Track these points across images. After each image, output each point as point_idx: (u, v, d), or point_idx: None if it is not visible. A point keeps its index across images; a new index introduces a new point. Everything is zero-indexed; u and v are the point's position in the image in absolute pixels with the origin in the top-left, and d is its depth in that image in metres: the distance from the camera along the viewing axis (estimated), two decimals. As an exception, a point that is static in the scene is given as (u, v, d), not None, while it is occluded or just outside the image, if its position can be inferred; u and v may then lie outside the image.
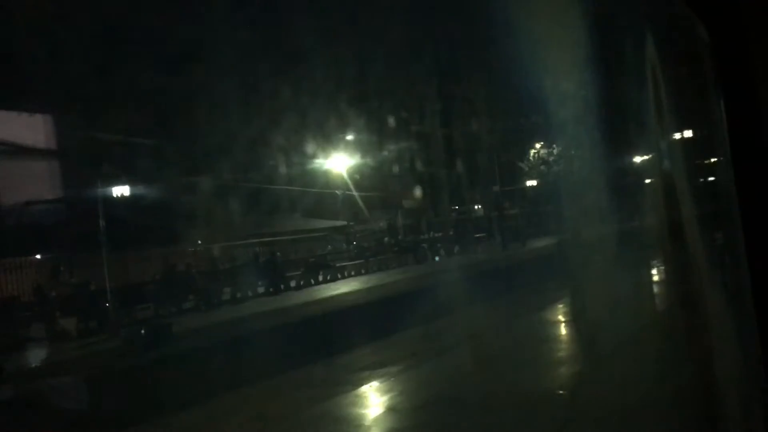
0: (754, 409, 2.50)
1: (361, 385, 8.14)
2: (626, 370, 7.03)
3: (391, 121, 32.66)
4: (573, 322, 10.29)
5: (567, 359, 8.89)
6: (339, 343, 10.80)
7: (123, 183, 25.10)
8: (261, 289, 19.74)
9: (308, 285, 20.99)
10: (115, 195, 23.85)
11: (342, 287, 19.62)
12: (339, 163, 28.66)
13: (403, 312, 12.66)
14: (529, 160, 39.69)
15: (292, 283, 20.74)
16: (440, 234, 30.41)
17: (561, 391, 7.31)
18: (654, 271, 14.84)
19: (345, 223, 27.86)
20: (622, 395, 6.12)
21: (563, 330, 10.09)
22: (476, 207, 39.91)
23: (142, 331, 11.86)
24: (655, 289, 12.84)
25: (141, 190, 25.04)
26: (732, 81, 1.65)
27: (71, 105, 23.99)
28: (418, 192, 36.10)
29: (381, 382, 8.17)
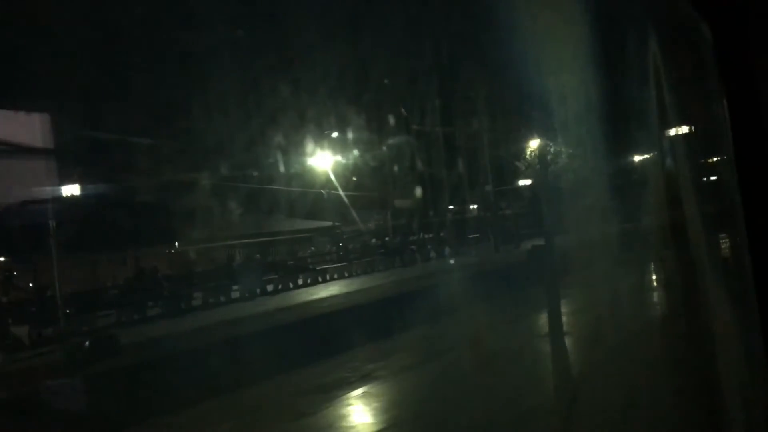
0: (757, 410, 2.44)
1: (298, 413, 7.23)
2: (611, 385, 6.29)
3: (384, 119, 31.70)
4: (549, 335, 9.36)
5: (538, 378, 7.95)
6: (295, 358, 9.90)
7: (98, 183, 24.37)
8: (236, 294, 18.82)
9: (286, 289, 20.11)
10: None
11: (320, 292, 18.72)
12: (329, 162, 27.77)
13: (369, 323, 11.82)
14: (525, 159, 38.73)
15: (270, 287, 19.85)
16: (431, 235, 29.45)
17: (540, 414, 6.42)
18: (648, 276, 13.98)
19: (331, 224, 26.90)
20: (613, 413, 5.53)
21: (536, 345, 9.12)
22: (472, 207, 38.98)
23: (86, 344, 10.95)
24: (647, 294, 11.99)
25: (118, 190, 24.24)
26: (735, 79, 1.64)
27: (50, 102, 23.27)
28: (410, 192, 35.17)
29: (320, 411, 7.25)
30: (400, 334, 10.72)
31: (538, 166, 38.99)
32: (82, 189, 23.22)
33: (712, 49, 1.71)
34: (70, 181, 23.46)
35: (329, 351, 10.12)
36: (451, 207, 38.47)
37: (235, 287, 18.89)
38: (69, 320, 14.03)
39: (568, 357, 8.42)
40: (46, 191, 18.89)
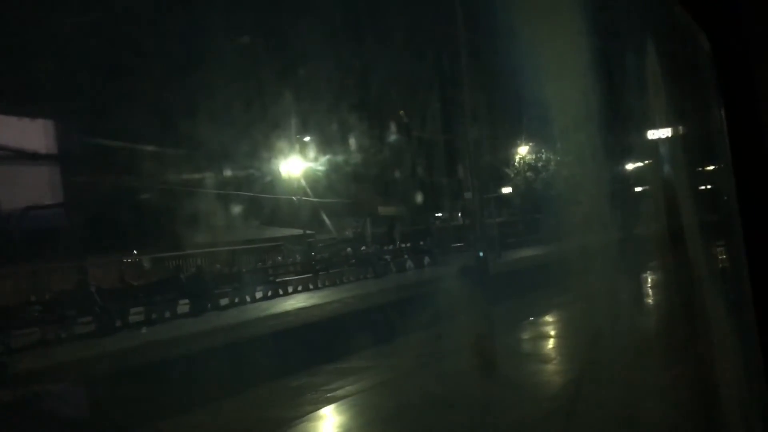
0: (755, 417, 2.39)
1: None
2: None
3: (370, 124, 30.45)
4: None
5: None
6: (207, 392, 8.56)
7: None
8: (185, 309, 17.37)
9: (242, 303, 18.67)
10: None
11: (272, 307, 17.34)
12: (306, 167, 26.43)
13: (306, 349, 10.54)
14: (514, 165, 37.37)
15: (224, 301, 18.41)
16: (409, 244, 28.02)
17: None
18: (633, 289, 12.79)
19: (301, 231, 25.50)
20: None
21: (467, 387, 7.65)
22: (459, 214, 37.68)
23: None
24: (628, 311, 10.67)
25: (72, 195, 23.04)
26: (733, 89, 1.64)
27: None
28: (395, 198, 33.81)
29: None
30: (334, 362, 9.46)
31: (528, 173, 37.63)
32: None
33: (710, 59, 1.71)
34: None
35: (250, 382, 8.77)
36: (438, 214, 37.22)
37: (183, 301, 17.47)
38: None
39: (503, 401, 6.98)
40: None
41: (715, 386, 3.80)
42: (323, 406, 7.34)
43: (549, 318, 11.83)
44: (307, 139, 26.01)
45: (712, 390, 3.85)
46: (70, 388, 8.76)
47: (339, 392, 7.92)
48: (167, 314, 16.82)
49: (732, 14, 1.61)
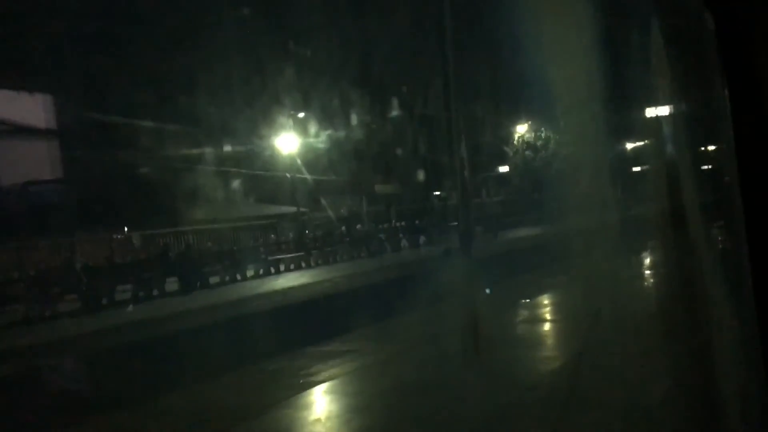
0: (753, 405, 2.43)
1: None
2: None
3: (369, 102, 29.90)
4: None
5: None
6: (173, 377, 8.22)
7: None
8: (174, 287, 17.04)
9: (232, 281, 18.39)
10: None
11: (263, 286, 17.06)
12: (304, 144, 25.95)
13: (290, 330, 10.26)
14: (513, 144, 36.84)
15: (214, 279, 18.11)
16: (404, 223, 27.63)
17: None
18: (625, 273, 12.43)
19: (295, 209, 25.11)
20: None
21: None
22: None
23: None
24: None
25: (71, 171, 22.74)
26: (737, 69, 1.65)
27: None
28: (392, 177, 33.36)
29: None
30: (308, 347, 9.15)
31: (527, 152, 37.11)
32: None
33: (715, 38, 1.70)
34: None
35: (217, 368, 8.39)
36: (436, 193, 36.79)
37: (170, 279, 17.15)
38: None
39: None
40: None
41: (712, 371, 3.70)
42: (298, 392, 7.00)
43: (541, 300, 11.48)
44: (301, 115, 25.46)
45: (709, 375, 3.75)
46: (35, 371, 8.41)
47: (317, 377, 7.58)
48: (155, 292, 16.54)
49: None
